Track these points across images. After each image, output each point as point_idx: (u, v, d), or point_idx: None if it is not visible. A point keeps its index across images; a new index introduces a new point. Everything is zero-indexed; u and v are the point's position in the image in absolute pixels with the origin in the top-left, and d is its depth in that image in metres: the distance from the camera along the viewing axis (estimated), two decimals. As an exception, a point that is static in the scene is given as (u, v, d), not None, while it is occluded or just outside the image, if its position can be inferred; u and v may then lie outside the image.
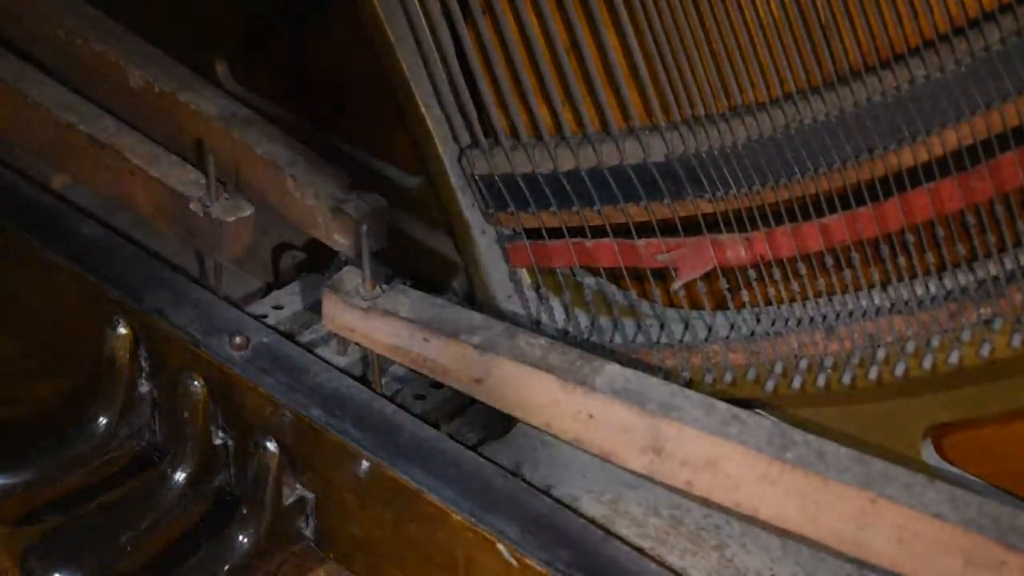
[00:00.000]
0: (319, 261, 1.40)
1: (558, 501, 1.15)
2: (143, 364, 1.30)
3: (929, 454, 1.17)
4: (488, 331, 1.19)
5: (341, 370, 1.26)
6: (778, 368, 1.20)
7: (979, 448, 1.16)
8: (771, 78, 1.12)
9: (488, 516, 1.12)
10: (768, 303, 1.20)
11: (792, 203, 1.15)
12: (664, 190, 1.18)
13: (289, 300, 1.39)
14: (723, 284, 1.20)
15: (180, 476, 1.25)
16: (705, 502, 1.11)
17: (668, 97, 1.15)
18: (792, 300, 1.19)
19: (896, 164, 1.11)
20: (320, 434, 1.19)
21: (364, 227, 1.24)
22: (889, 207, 1.12)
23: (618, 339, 1.26)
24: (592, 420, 1.12)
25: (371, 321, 1.23)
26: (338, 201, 1.31)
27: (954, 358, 1.14)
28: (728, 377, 1.22)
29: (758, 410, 1.21)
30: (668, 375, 1.22)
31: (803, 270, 1.17)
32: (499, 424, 1.23)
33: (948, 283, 1.14)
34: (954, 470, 1.16)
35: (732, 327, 1.22)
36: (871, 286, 1.16)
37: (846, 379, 1.18)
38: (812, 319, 1.18)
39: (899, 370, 1.16)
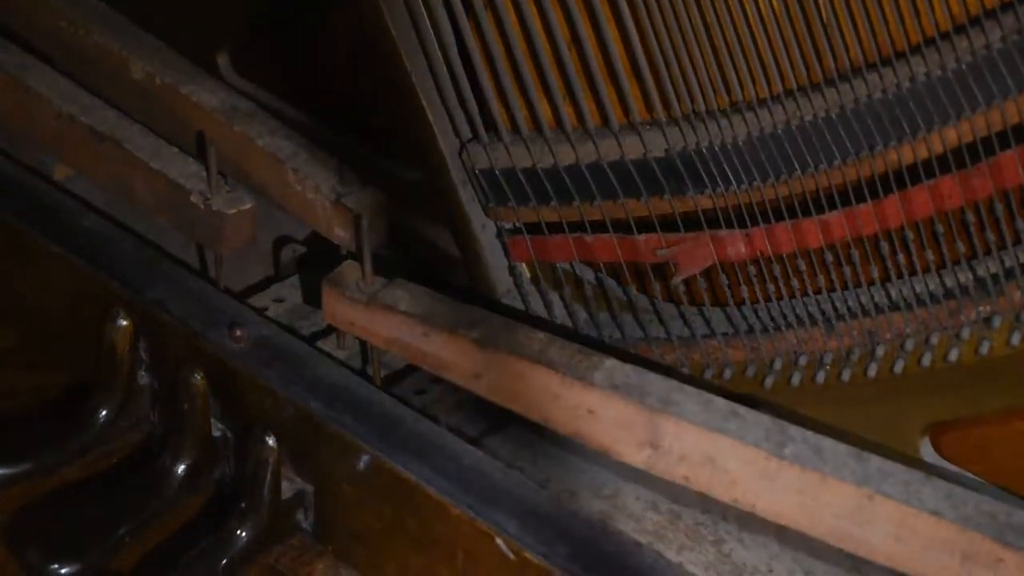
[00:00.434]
0: (319, 254, 1.40)
1: (557, 495, 1.15)
2: (143, 356, 1.30)
3: (927, 452, 1.17)
4: (488, 325, 1.19)
5: (341, 363, 1.26)
6: (777, 364, 1.21)
7: (977, 446, 1.16)
8: (772, 74, 1.12)
9: (487, 510, 1.12)
10: (767, 299, 1.20)
11: (792, 199, 1.15)
12: (664, 185, 1.18)
13: (289, 293, 1.39)
14: (723, 280, 1.20)
15: (179, 468, 1.25)
16: (703, 499, 1.11)
17: (669, 92, 1.15)
18: (791, 296, 1.19)
19: (896, 161, 1.11)
20: (319, 427, 1.19)
21: (364, 221, 1.24)
22: (889, 204, 1.12)
23: (617, 334, 1.26)
24: (591, 415, 1.12)
25: (371, 315, 1.23)
26: (339, 194, 1.31)
27: (953, 356, 1.14)
28: (727, 373, 1.23)
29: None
30: (668, 371, 1.22)
31: (803, 266, 1.17)
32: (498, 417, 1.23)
33: (948, 281, 1.14)
34: (952, 468, 1.16)
35: (731, 323, 1.22)
36: (871, 283, 1.16)
37: (845, 376, 1.18)
38: (811, 316, 1.19)
39: (898, 367, 1.17)
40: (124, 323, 1.29)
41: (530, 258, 1.26)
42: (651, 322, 1.25)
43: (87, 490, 1.27)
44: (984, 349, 1.13)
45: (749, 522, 1.16)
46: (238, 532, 1.20)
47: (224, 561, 1.19)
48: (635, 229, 1.20)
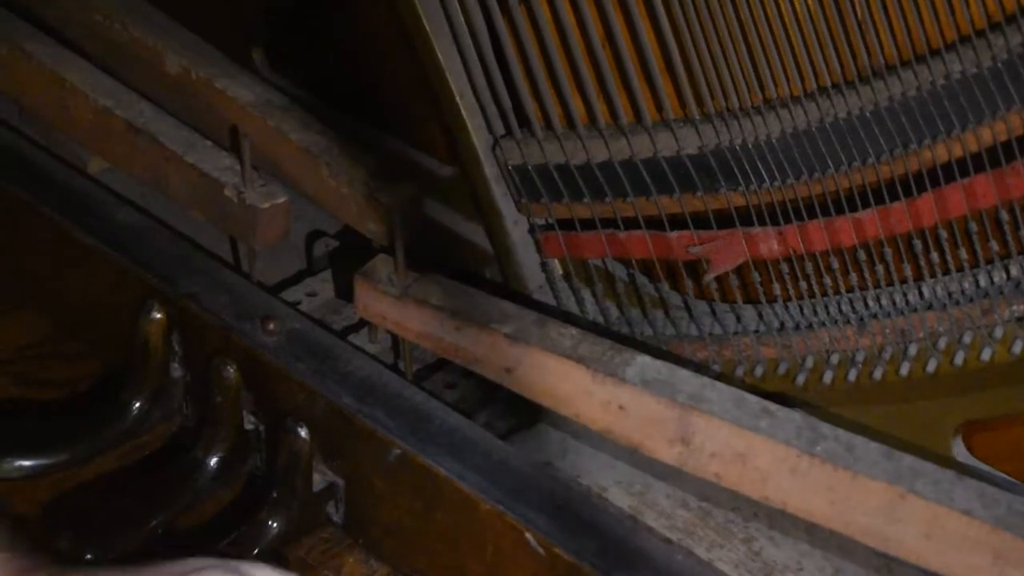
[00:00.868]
0: (352, 249, 1.40)
1: (587, 491, 1.15)
2: (176, 348, 1.31)
3: (960, 451, 1.16)
4: (520, 320, 1.19)
5: (373, 357, 1.26)
6: (809, 362, 1.20)
7: (1010, 446, 1.15)
8: (806, 71, 1.11)
9: (517, 505, 1.12)
10: (800, 297, 1.19)
11: (825, 197, 1.14)
12: (697, 182, 1.18)
13: (322, 287, 1.39)
14: (755, 277, 1.20)
15: (212, 460, 1.26)
16: (733, 496, 1.11)
17: (702, 89, 1.15)
18: (824, 294, 1.18)
19: (930, 159, 1.10)
20: (351, 421, 1.20)
21: (397, 216, 1.25)
22: (923, 202, 1.11)
23: (648, 331, 1.26)
24: (622, 411, 1.12)
25: (403, 309, 1.23)
26: (371, 189, 1.32)
27: (986, 355, 1.14)
28: (759, 371, 1.22)
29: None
30: (699, 368, 1.22)
31: (835, 264, 1.17)
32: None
33: (981, 279, 1.14)
34: (984, 467, 1.15)
35: (763, 320, 1.21)
36: (903, 281, 1.16)
37: (877, 374, 1.18)
38: (844, 314, 1.18)
39: (931, 366, 1.16)
40: (158, 316, 1.30)
41: (562, 254, 1.26)
42: (683, 319, 1.25)
43: (120, 481, 1.27)
44: (1017, 348, 1.13)
45: (779, 520, 1.16)
46: (269, 523, 1.20)
47: (255, 552, 1.19)
48: (668, 226, 1.20)
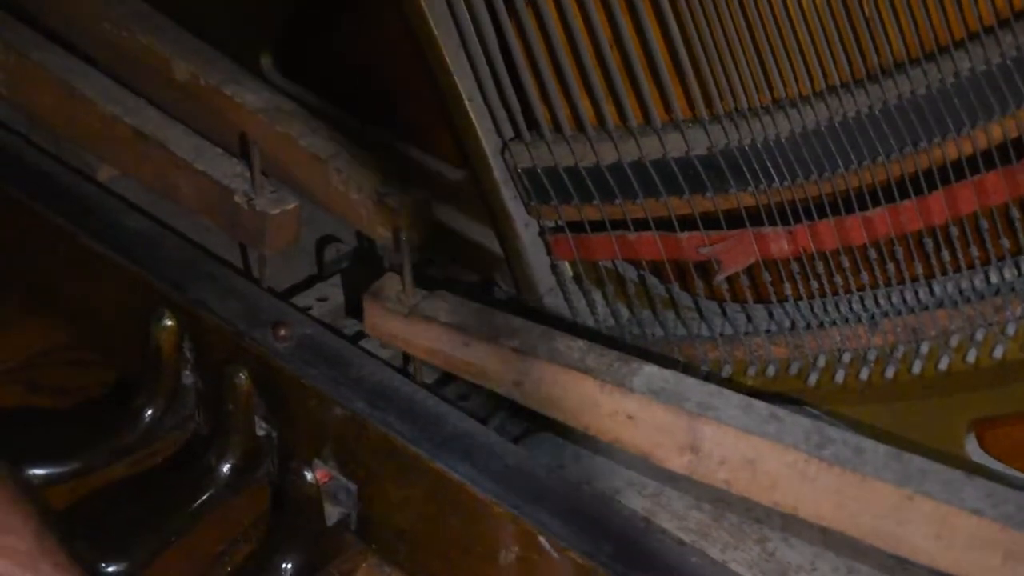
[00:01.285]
0: (362, 254, 1.40)
1: (600, 494, 1.15)
2: (188, 355, 1.31)
3: (973, 449, 1.16)
4: (527, 334, 1.19)
5: (384, 362, 1.26)
6: (821, 362, 1.20)
7: (1023, 442, 1.15)
8: (815, 71, 1.11)
9: (530, 508, 1.12)
10: (811, 296, 1.19)
11: (835, 196, 1.14)
12: (707, 183, 1.18)
13: (332, 292, 1.39)
14: (766, 277, 1.20)
15: (224, 467, 1.26)
16: (746, 498, 1.11)
17: (711, 89, 1.14)
18: (835, 293, 1.18)
19: (940, 157, 1.10)
20: (364, 426, 1.20)
21: (403, 233, 1.24)
22: (933, 200, 1.11)
23: (659, 332, 1.25)
24: (631, 421, 1.12)
25: (412, 327, 1.23)
26: (381, 194, 1.32)
27: (998, 352, 1.14)
28: (771, 370, 1.22)
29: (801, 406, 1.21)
30: (707, 375, 1.22)
31: (846, 263, 1.17)
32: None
33: (992, 277, 1.13)
34: (998, 465, 1.15)
35: (774, 320, 1.21)
36: (915, 280, 1.16)
37: (889, 373, 1.18)
38: (855, 312, 1.18)
39: (943, 364, 1.16)
40: (169, 323, 1.30)
41: (573, 256, 1.26)
42: (694, 320, 1.25)
43: (133, 489, 1.28)
44: (1030, 346, 1.13)
45: (793, 521, 1.16)
46: (283, 565, 1.20)
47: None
48: (678, 227, 1.20)
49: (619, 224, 1.22)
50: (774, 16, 1.10)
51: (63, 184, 1.43)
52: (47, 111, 1.47)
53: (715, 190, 1.17)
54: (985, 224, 1.11)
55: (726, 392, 1.11)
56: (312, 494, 1.20)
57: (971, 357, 1.15)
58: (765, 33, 1.11)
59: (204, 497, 1.24)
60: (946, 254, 1.13)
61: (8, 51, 1.48)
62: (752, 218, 1.18)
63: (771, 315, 1.22)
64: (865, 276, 1.17)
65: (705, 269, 1.22)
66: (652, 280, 1.26)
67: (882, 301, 1.17)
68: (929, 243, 1.13)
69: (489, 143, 1.25)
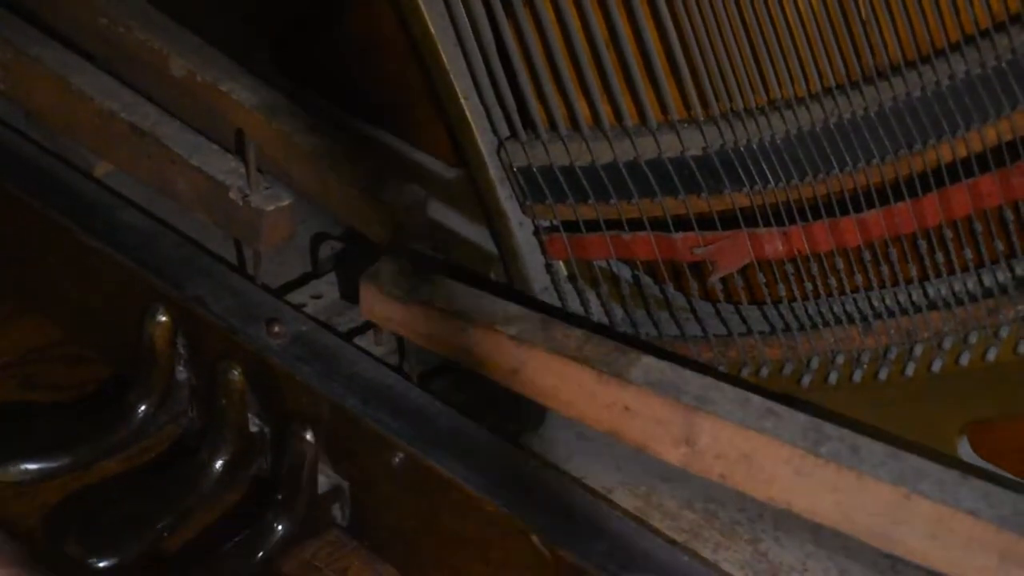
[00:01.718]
0: (357, 251, 1.40)
1: (592, 493, 1.15)
2: (182, 351, 1.31)
3: (965, 451, 1.16)
4: (525, 322, 1.19)
5: (378, 360, 1.26)
6: (814, 363, 1.20)
7: (1016, 445, 1.15)
8: (810, 72, 1.11)
9: (523, 507, 1.12)
10: (805, 297, 1.19)
11: (830, 198, 1.14)
12: (702, 184, 1.18)
13: (327, 289, 1.39)
14: (760, 278, 1.20)
15: (217, 463, 1.26)
16: (739, 497, 1.11)
17: (707, 90, 1.15)
18: (829, 295, 1.18)
19: (935, 160, 1.10)
20: (356, 423, 1.20)
21: (401, 219, 1.24)
22: (928, 203, 1.11)
23: (653, 332, 1.26)
24: (627, 412, 1.12)
25: (408, 311, 1.23)
26: (377, 191, 1.32)
27: (991, 355, 1.14)
28: (764, 371, 1.22)
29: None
30: (704, 368, 1.22)
31: (840, 265, 1.17)
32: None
33: (986, 279, 1.14)
34: (990, 467, 1.15)
35: (768, 321, 1.21)
36: (908, 281, 1.16)
37: (882, 375, 1.18)
38: (849, 314, 1.18)
39: (936, 366, 1.16)
40: (163, 319, 1.30)
41: (567, 256, 1.26)
42: (688, 320, 1.25)
43: (125, 484, 1.28)
44: (1022, 348, 1.12)
45: (785, 521, 1.16)
46: (275, 526, 1.20)
47: (260, 554, 1.20)
48: (673, 227, 1.20)
49: (614, 224, 1.23)
50: (770, 17, 1.10)
51: (59, 180, 1.43)
52: (44, 107, 1.47)
53: (710, 191, 1.18)
54: (979, 226, 1.11)
55: (724, 386, 1.11)
56: (310, 452, 1.19)
57: (964, 360, 1.15)
58: (761, 34, 1.11)
59: (197, 493, 1.24)
60: (940, 256, 1.14)
61: (5, 47, 1.47)
62: (747, 219, 1.18)
63: (765, 316, 1.22)
64: (859, 278, 1.17)
65: (699, 270, 1.22)
66: (647, 280, 1.26)
67: (876, 303, 1.17)
68: (923, 245, 1.13)
69: (485, 142, 1.26)
